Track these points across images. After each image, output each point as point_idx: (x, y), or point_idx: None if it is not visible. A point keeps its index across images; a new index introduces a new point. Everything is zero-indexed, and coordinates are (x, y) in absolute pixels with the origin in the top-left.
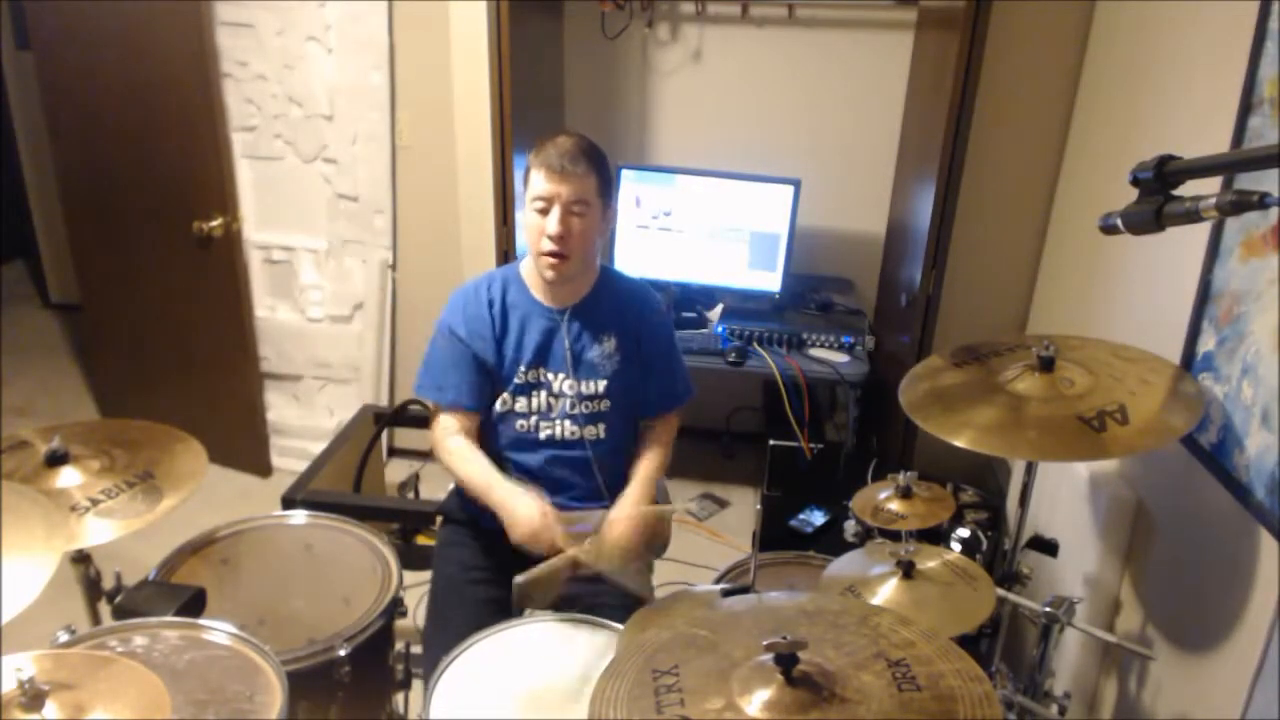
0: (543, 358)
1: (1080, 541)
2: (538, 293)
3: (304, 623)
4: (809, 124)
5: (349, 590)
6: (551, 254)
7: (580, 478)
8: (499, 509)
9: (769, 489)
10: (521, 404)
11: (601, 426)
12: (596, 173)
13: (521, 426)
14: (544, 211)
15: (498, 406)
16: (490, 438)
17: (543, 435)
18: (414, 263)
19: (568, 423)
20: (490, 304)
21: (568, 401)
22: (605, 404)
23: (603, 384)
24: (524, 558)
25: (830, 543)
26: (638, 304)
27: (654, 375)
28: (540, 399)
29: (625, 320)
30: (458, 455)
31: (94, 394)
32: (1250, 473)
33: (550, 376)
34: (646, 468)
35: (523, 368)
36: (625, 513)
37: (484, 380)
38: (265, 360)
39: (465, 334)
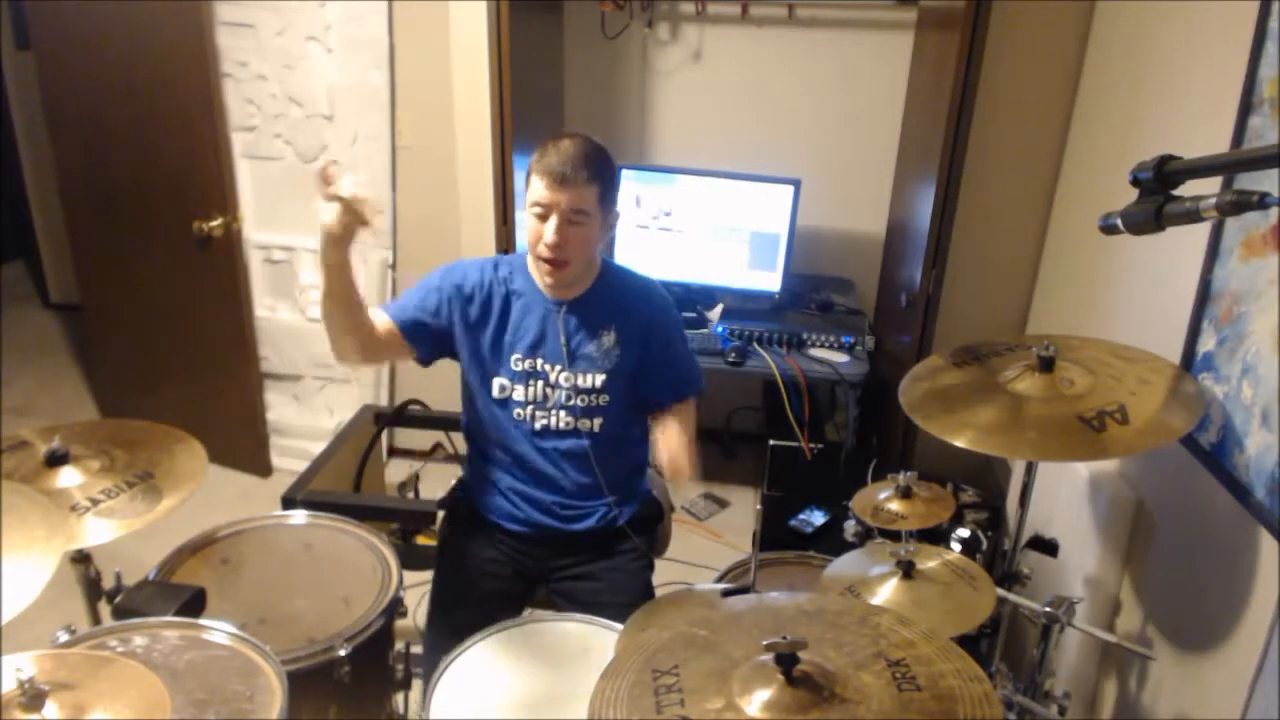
0: (539, 347)
1: (1080, 541)
2: (539, 283)
3: (304, 623)
4: (809, 124)
5: (349, 590)
6: (548, 260)
7: (576, 471)
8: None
9: (769, 489)
10: (519, 392)
11: (599, 420)
12: (599, 180)
13: (518, 415)
14: (542, 218)
15: (496, 392)
16: (487, 428)
17: (538, 425)
18: (414, 263)
19: (563, 413)
20: (497, 283)
21: (564, 393)
22: (604, 398)
23: (600, 378)
24: (524, 557)
25: (830, 543)
26: (643, 299)
27: (666, 366)
28: (537, 388)
29: (630, 315)
30: None
31: (94, 394)
32: (1250, 473)
33: (547, 367)
34: (677, 421)
35: (519, 354)
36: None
37: (425, 322)
38: (265, 360)
39: (458, 278)
